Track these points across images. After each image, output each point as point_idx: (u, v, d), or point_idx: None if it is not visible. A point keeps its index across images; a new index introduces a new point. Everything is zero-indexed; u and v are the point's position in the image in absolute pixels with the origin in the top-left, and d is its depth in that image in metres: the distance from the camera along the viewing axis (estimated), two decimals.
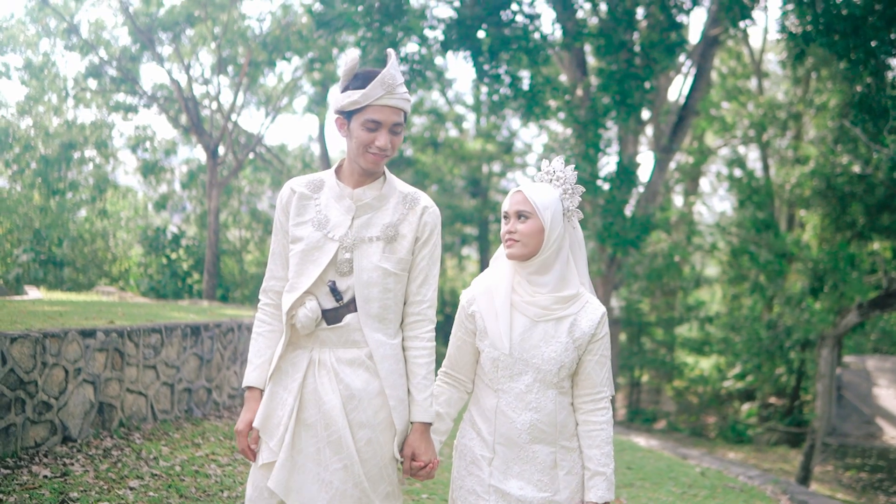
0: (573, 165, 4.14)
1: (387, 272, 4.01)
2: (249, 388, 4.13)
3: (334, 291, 3.96)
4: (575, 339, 3.97)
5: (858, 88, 18.85)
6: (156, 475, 7.27)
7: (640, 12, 22.34)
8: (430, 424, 4.02)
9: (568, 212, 4.08)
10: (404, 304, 4.13)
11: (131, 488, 6.78)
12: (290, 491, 3.88)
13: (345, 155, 4.17)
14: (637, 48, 21.46)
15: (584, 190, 4.14)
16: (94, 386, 8.04)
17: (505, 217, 4.11)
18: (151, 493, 6.76)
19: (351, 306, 3.99)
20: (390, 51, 4.00)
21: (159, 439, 8.53)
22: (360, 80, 3.94)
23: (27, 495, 6.11)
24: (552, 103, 23.98)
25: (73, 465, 7.10)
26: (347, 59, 4.00)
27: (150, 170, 36.93)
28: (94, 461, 7.32)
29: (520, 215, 4.01)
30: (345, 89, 3.97)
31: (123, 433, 8.33)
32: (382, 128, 3.95)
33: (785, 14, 18.39)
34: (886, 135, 18.10)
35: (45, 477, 6.62)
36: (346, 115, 3.97)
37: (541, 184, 4.14)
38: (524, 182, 4.16)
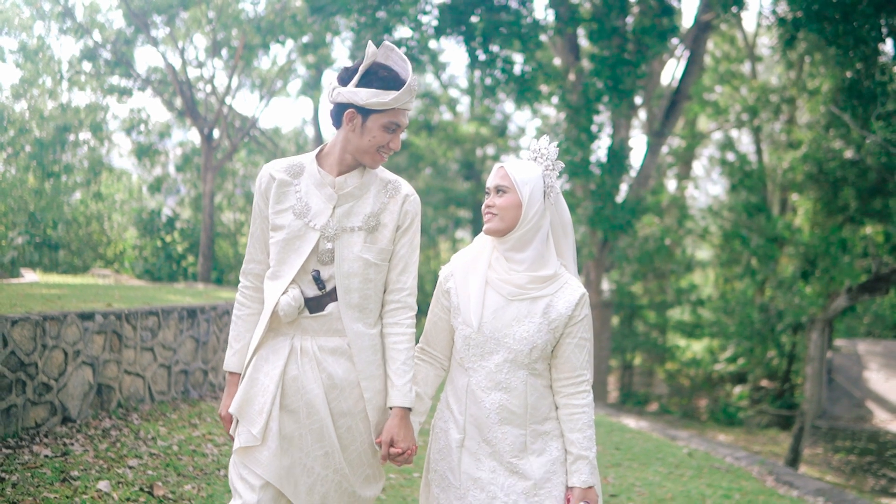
0: (555, 143, 4.12)
1: (368, 262, 4.01)
2: (230, 372, 4.17)
3: (317, 280, 3.96)
4: (550, 320, 3.91)
5: (848, 74, 18.97)
6: (154, 454, 7.42)
7: None
8: (410, 410, 3.98)
9: (549, 188, 4.04)
10: (384, 291, 4.13)
11: (130, 467, 6.93)
12: (281, 478, 3.89)
13: (331, 140, 4.13)
14: (629, 33, 21.55)
15: (563, 165, 4.14)
16: (92, 368, 8.18)
17: (486, 193, 4.11)
18: (150, 472, 6.90)
19: (333, 295, 3.99)
20: (388, 44, 4.01)
21: (157, 420, 8.68)
22: (384, 80, 3.91)
23: (29, 474, 6.26)
24: (545, 88, 24.10)
25: (72, 444, 7.24)
26: (369, 52, 3.93)
27: (145, 152, 36.98)
28: (94, 441, 7.47)
29: (498, 189, 4.00)
30: (366, 85, 3.90)
31: (122, 414, 8.48)
32: (399, 130, 3.98)
33: (776, 0, 18.52)
34: (874, 121, 18.20)
35: (46, 456, 6.77)
36: (363, 111, 3.92)
37: (524, 161, 4.12)
38: (508, 159, 4.13)
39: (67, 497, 5.96)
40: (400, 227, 4.11)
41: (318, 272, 3.96)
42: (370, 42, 3.92)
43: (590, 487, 3.92)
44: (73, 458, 6.85)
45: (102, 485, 6.28)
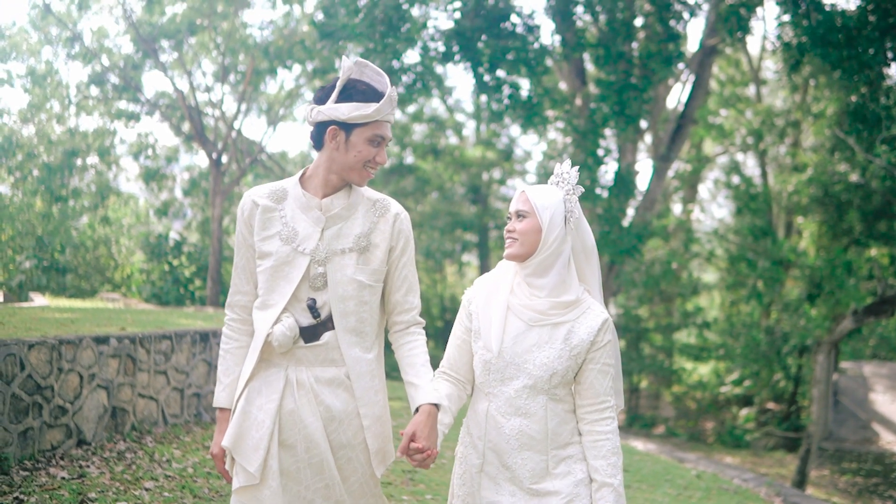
0: (576, 167, 4.09)
1: (362, 284, 3.94)
2: (220, 408, 4.05)
3: (312, 309, 3.89)
4: (571, 346, 3.84)
5: (853, 98, 19.04)
6: (169, 476, 7.51)
7: (638, 23, 22.55)
8: (438, 407, 3.86)
9: (569, 213, 3.96)
10: (392, 313, 4.09)
11: (147, 489, 7.02)
12: None
13: (313, 163, 4.07)
14: (635, 59, 21.66)
15: (583, 190, 4.09)
16: (107, 391, 8.27)
17: (508, 217, 4.05)
18: (167, 494, 6.99)
19: (328, 324, 3.92)
20: (361, 61, 3.95)
21: (171, 442, 8.76)
22: (363, 93, 3.87)
23: (47, 496, 6.34)
24: (551, 113, 24.21)
25: (88, 467, 7.33)
26: (344, 66, 3.90)
27: (152, 177, 37.16)
28: (109, 463, 7.56)
29: (519, 214, 3.95)
30: (346, 100, 3.86)
31: (136, 437, 8.57)
32: (384, 143, 3.92)
33: (781, 25, 18.61)
34: (879, 145, 18.28)
35: (63, 478, 6.86)
36: (346, 126, 3.86)
37: (546, 185, 4.06)
38: (520, 182, 4.07)
39: None
40: (394, 248, 4.05)
41: (314, 300, 3.89)
42: (344, 57, 3.94)
43: None
44: (90, 481, 6.94)
45: None
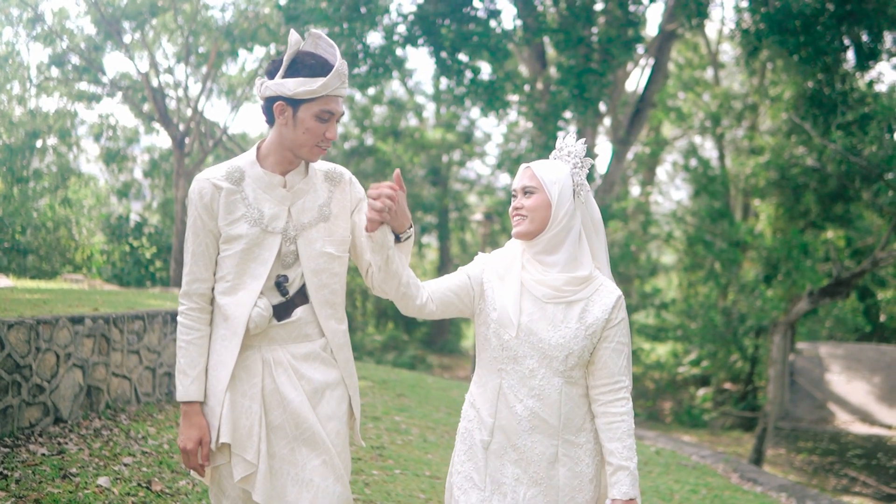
0: (584, 139, 3.97)
1: (332, 256, 3.92)
2: (189, 402, 3.86)
3: (280, 286, 3.84)
4: (587, 325, 3.75)
5: (810, 84, 19.33)
6: (146, 452, 7.68)
7: (598, 7, 22.77)
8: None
9: (578, 186, 3.87)
10: (364, 258, 4.00)
11: (125, 464, 7.18)
12: (272, 499, 3.78)
13: (265, 140, 3.98)
14: (595, 43, 21.88)
15: (594, 162, 3.98)
16: (82, 370, 8.41)
17: (513, 195, 3.95)
18: (144, 469, 7.17)
19: (297, 299, 3.88)
20: (315, 32, 3.88)
21: (144, 420, 8.93)
22: (311, 67, 3.76)
23: (30, 471, 6.51)
24: (513, 97, 24.40)
25: (67, 444, 7.49)
26: (292, 40, 3.78)
27: (113, 158, 37.07)
28: (87, 440, 7.72)
29: (525, 191, 3.84)
30: (291, 74, 3.75)
31: (110, 415, 8.72)
32: (333, 118, 3.82)
33: (739, 11, 18.88)
34: (834, 130, 18.55)
35: (44, 455, 7.01)
36: (293, 102, 3.76)
37: (550, 160, 3.95)
38: (534, 161, 3.95)
39: (70, 492, 6.22)
40: (354, 210, 4.04)
41: (284, 276, 3.85)
42: (292, 31, 3.83)
43: (631, 500, 3.74)
44: (70, 457, 7.10)
45: (102, 480, 6.55)
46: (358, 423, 4.10)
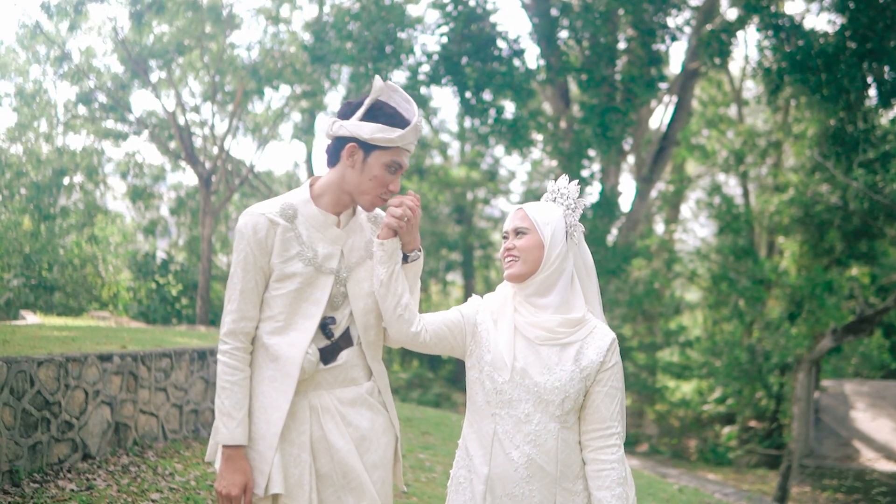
0: (576, 181, 3.95)
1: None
2: (235, 446, 3.71)
3: (325, 329, 3.76)
4: (582, 368, 3.65)
5: (832, 122, 19.36)
6: (173, 489, 7.76)
7: (621, 46, 22.90)
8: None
9: (571, 228, 3.83)
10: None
11: (153, 500, 7.27)
12: None
13: (321, 179, 3.91)
14: (618, 82, 22.00)
15: (588, 205, 3.85)
16: (110, 407, 8.53)
17: (504, 237, 3.87)
18: None
19: (342, 342, 3.79)
20: (392, 84, 3.83)
21: (171, 457, 9.02)
22: (390, 116, 3.71)
23: None
24: (536, 136, 24.53)
25: (95, 480, 7.59)
26: (375, 86, 3.74)
27: (139, 195, 37.34)
28: (115, 476, 7.82)
29: (518, 232, 3.78)
30: (371, 119, 3.70)
31: (138, 451, 8.83)
32: (400, 171, 3.77)
33: (761, 51, 18.95)
34: (856, 168, 18.55)
35: (72, 490, 7.12)
36: (367, 147, 3.70)
37: (542, 202, 3.90)
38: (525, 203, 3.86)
39: None
40: None
41: (332, 319, 3.77)
42: (377, 77, 3.77)
43: None
44: (98, 493, 7.20)
45: None
46: (400, 468, 4.00)
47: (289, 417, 3.70)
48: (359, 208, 3.94)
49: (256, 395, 3.75)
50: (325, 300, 3.73)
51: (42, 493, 6.86)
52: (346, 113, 3.77)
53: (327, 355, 3.76)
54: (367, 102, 3.72)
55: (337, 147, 3.78)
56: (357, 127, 3.68)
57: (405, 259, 3.83)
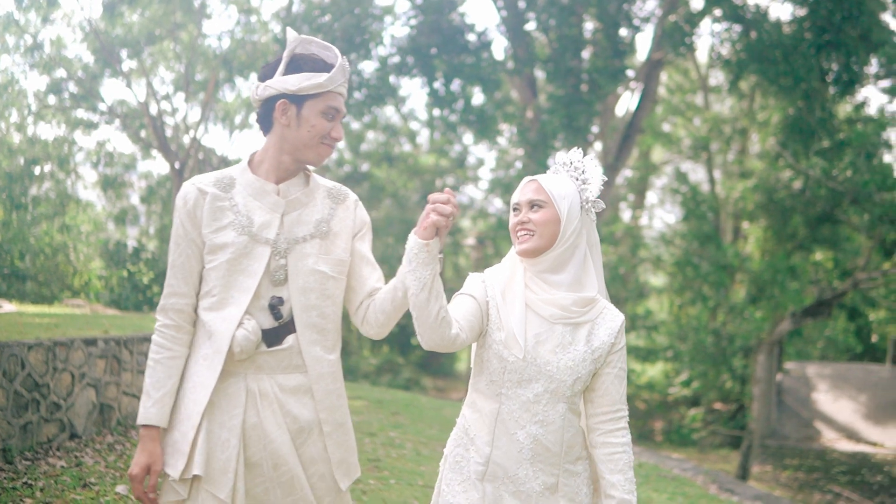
0: (592, 154, 3.87)
1: (325, 276, 3.63)
2: (146, 426, 3.52)
3: (273, 309, 3.56)
4: (593, 349, 3.55)
5: (790, 111, 19.79)
6: None
7: (587, 35, 23.26)
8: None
9: (587, 203, 3.67)
10: (359, 291, 3.75)
11: None
12: None
13: (260, 147, 3.76)
14: (584, 73, 22.37)
15: (606, 179, 3.79)
16: (95, 389, 8.88)
17: (515, 209, 3.69)
18: (158, 480, 7.66)
19: (291, 325, 3.58)
20: (306, 37, 3.65)
21: None
22: (312, 62, 3.59)
23: (52, 481, 7.00)
24: (504, 126, 24.87)
25: (83, 457, 7.95)
26: (289, 38, 3.59)
27: (110, 184, 37.38)
28: (102, 454, 8.19)
29: (533, 205, 3.60)
30: (295, 70, 3.57)
31: (121, 431, 9.19)
32: (339, 116, 3.63)
33: (721, 42, 19.37)
34: (812, 156, 18.96)
35: (63, 467, 7.49)
36: (297, 99, 3.56)
37: (556, 175, 3.72)
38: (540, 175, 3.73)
39: (91, 499, 6.72)
40: (358, 234, 3.78)
41: (279, 299, 3.57)
42: (289, 29, 3.64)
43: None
44: (87, 468, 7.58)
45: (120, 489, 7.05)
46: (335, 465, 3.69)
47: (222, 398, 3.53)
48: (314, 182, 3.78)
49: (190, 375, 3.60)
50: (262, 272, 3.54)
51: (34, 470, 7.22)
52: (267, 73, 3.66)
53: (272, 337, 3.57)
54: (285, 56, 3.60)
55: (267, 109, 3.65)
56: (282, 82, 3.55)
57: None
